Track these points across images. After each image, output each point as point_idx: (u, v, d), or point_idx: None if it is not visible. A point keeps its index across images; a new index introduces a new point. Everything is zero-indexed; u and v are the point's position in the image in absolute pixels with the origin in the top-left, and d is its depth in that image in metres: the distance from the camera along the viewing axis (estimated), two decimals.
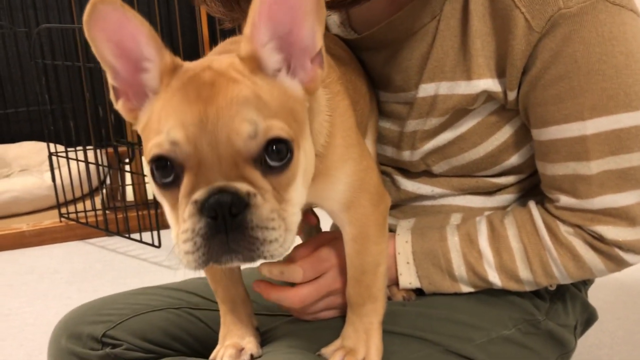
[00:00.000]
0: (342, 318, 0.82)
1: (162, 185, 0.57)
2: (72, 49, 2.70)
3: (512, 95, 0.78)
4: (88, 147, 2.40)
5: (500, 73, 0.78)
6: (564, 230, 0.80)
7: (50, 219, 2.54)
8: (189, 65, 0.59)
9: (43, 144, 2.45)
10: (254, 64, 0.59)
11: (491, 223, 0.84)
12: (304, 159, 0.61)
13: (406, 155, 0.89)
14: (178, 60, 0.59)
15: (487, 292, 0.87)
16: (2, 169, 2.96)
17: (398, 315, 0.83)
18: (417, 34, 0.83)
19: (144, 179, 2.48)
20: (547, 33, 0.72)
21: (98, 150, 2.42)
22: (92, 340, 0.92)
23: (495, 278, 0.83)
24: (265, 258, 0.55)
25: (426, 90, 0.83)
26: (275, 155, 0.56)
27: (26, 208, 2.61)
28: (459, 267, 0.83)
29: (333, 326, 0.82)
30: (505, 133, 0.84)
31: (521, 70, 0.76)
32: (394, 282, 0.86)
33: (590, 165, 0.75)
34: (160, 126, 0.55)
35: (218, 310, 0.84)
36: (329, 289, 0.81)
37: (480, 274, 0.83)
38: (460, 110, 0.82)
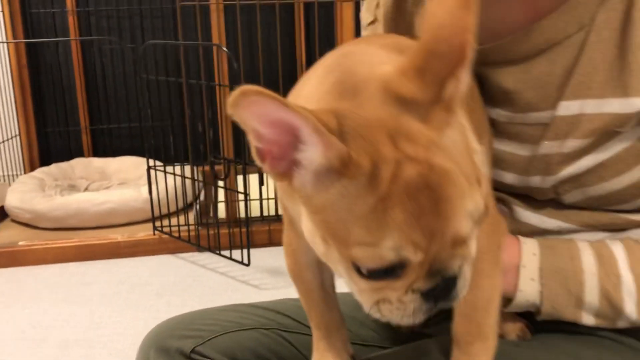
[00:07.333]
0: (444, 354, 0.74)
1: (370, 277, 0.53)
2: (174, 65, 2.79)
3: None
4: (185, 164, 2.45)
5: None
6: None
7: (144, 232, 2.60)
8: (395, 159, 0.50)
9: (142, 159, 2.53)
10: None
11: (628, 246, 0.74)
12: None
13: (535, 181, 0.79)
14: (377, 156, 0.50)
15: (613, 340, 0.76)
16: (102, 181, 3.09)
17: (511, 357, 0.74)
18: (559, 46, 0.74)
19: (237, 196, 2.50)
20: None
21: (194, 167, 2.46)
22: (181, 355, 0.89)
23: (631, 309, 0.72)
24: None
25: (568, 108, 0.74)
26: None
27: (122, 220, 2.69)
28: (590, 292, 0.73)
29: None
30: None
31: None
32: (508, 296, 0.77)
33: None
34: (372, 237, 0.49)
35: (309, 335, 0.79)
36: None
37: (615, 302, 0.72)
38: (607, 133, 0.73)
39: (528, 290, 0.75)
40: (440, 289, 0.52)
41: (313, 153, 0.49)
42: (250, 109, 0.46)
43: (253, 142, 0.50)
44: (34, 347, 1.87)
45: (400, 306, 0.53)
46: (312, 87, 0.58)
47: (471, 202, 0.49)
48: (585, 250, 0.75)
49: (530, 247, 0.76)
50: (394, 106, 0.51)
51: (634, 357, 0.77)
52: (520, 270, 0.75)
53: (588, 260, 0.74)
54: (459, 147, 0.52)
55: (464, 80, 0.51)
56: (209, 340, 0.89)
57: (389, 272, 0.51)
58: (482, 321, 0.69)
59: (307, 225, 0.55)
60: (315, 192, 0.51)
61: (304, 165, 0.50)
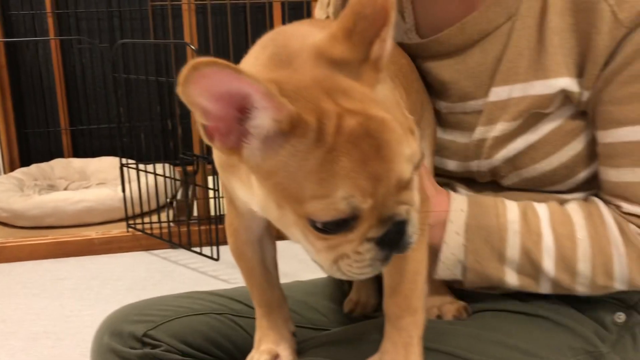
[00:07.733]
0: (380, 333, 0.77)
1: (326, 231, 0.55)
2: (147, 64, 2.80)
3: (586, 95, 0.73)
4: (157, 163, 2.47)
5: (579, 72, 0.73)
6: (633, 229, 0.74)
7: (118, 229, 2.61)
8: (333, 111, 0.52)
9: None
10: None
11: (552, 208, 0.78)
12: None
13: (474, 165, 0.84)
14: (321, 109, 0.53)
15: (545, 318, 0.80)
16: (81, 181, 3.09)
17: (446, 333, 0.78)
18: (490, 36, 0.79)
19: (207, 194, 2.52)
20: (636, 27, 0.68)
21: (169, 166, 2.47)
22: (133, 339, 0.91)
23: (549, 266, 0.76)
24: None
25: (498, 94, 0.79)
26: None
27: (98, 218, 2.69)
28: (512, 248, 0.77)
29: (373, 339, 0.77)
30: (580, 142, 0.78)
31: (600, 68, 0.71)
32: (434, 248, 0.79)
33: None
34: (324, 189, 0.52)
35: None
36: None
37: (534, 259, 0.76)
38: (534, 114, 0.77)
39: (452, 244, 0.78)
40: (393, 234, 0.55)
41: (263, 118, 0.52)
42: (199, 84, 0.49)
43: (200, 121, 0.53)
44: (2, 339, 1.89)
45: (358, 257, 0.56)
46: (249, 64, 0.61)
47: (408, 147, 0.53)
48: (511, 208, 0.79)
49: (458, 204, 0.80)
50: (327, 68, 0.55)
51: (566, 336, 0.80)
52: (447, 225, 0.78)
53: (513, 218, 0.77)
54: (390, 100, 0.56)
55: (389, 41, 0.55)
56: (161, 324, 0.92)
57: (343, 224, 0.53)
58: (409, 294, 0.72)
59: (259, 195, 0.57)
60: (266, 157, 0.54)
61: (253, 134, 0.53)
